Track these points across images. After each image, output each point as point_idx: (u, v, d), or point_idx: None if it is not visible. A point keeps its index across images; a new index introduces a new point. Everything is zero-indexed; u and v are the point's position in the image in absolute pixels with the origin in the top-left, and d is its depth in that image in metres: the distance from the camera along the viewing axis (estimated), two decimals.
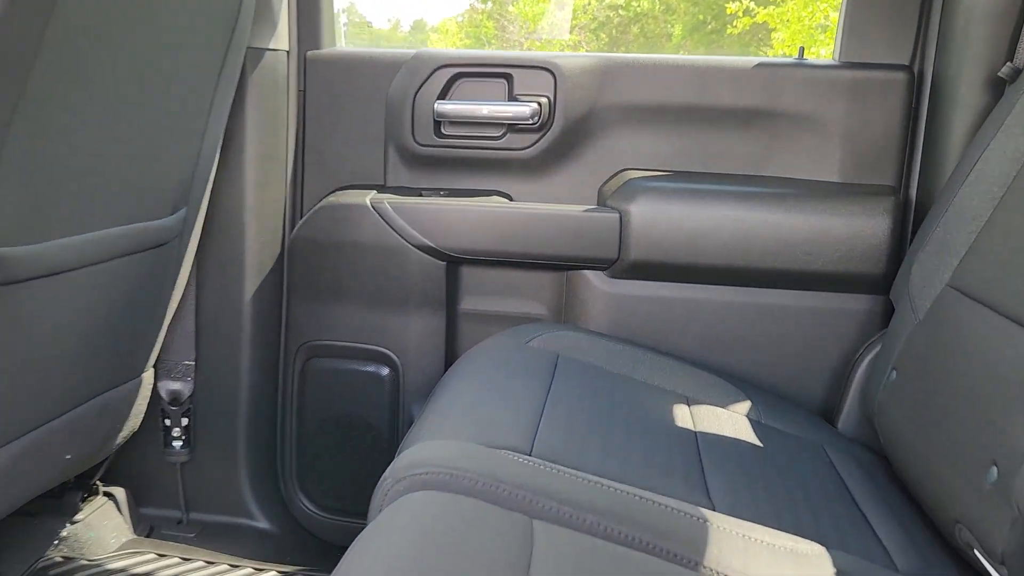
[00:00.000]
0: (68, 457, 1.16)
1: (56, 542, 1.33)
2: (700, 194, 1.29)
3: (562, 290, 1.37)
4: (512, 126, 1.36)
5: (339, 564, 0.65)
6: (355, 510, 1.44)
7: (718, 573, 0.72)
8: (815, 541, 0.81)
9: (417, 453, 0.79)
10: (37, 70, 0.79)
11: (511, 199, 1.39)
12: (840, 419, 1.23)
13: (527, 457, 0.82)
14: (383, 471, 1.34)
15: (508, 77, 1.36)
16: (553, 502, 0.74)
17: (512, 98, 1.36)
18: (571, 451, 0.86)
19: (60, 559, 1.32)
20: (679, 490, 0.84)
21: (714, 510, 0.83)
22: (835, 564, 0.77)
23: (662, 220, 1.29)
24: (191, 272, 1.35)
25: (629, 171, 1.36)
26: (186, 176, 1.17)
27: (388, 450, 1.42)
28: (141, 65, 0.96)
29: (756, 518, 0.83)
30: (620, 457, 0.88)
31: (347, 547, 1.35)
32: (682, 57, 1.35)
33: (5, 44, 0.74)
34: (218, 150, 1.23)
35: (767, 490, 0.90)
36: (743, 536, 0.77)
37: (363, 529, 1.27)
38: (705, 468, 0.92)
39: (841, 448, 1.12)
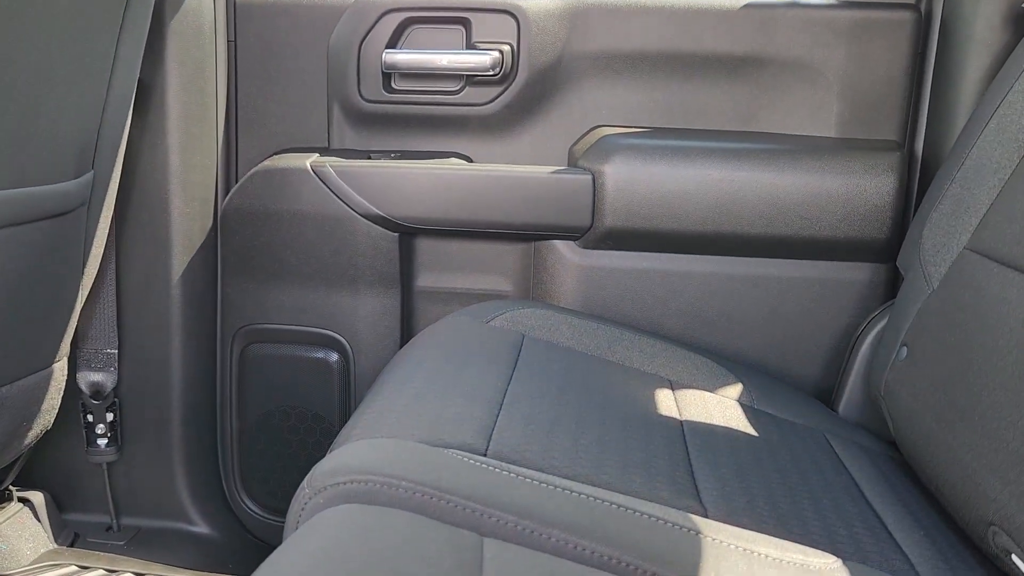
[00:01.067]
0: None
1: None
2: (682, 152, 1.15)
3: (530, 263, 1.22)
4: (471, 78, 1.20)
5: None
6: None
7: None
8: (828, 552, 0.68)
9: (342, 457, 0.64)
10: None
11: (471, 161, 1.24)
12: (841, 402, 1.10)
13: (481, 458, 0.68)
14: None
15: (465, 22, 1.20)
16: (510, 515, 0.60)
17: (470, 46, 1.20)
18: (535, 450, 0.72)
19: None
20: (664, 494, 0.70)
21: (706, 517, 0.69)
22: None
23: (640, 182, 1.14)
24: (109, 248, 1.19)
25: (603, 128, 1.21)
26: (89, 133, 1.01)
27: None
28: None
29: (756, 525, 0.69)
30: (594, 455, 0.74)
31: None
32: None
33: None
34: (130, 105, 1.07)
35: (767, 490, 0.77)
36: (744, 550, 0.63)
37: None
38: (693, 465, 0.78)
39: (844, 436, 0.99)
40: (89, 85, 0.98)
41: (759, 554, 0.63)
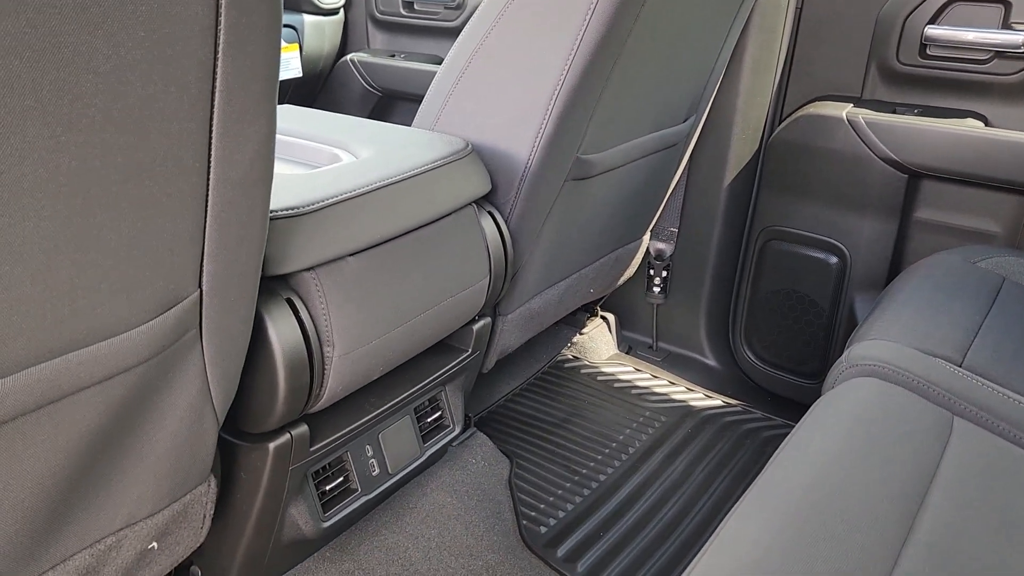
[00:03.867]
0: (591, 291, 1.63)
1: (569, 345, 1.86)
2: None
3: (1019, 211, 1.44)
4: (1001, 53, 1.41)
5: (800, 423, 0.96)
6: (787, 367, 1.75)
7: None
8: None
9: (867, 348, 1.05)
10: (633, 33, 1.14)
11: (986, 121, 1.47)
12: None
13: (958, 368, 1.03)
14: (818, 342, 1.63)
15: (1007, 4, 1.40)
16: (974, 407, 0.96)
17: (1006, 26, 1.41)
18: (998, 369, 1.05)
19: (571, 357, 1.85)
20: None
21: None
22: None
23: None
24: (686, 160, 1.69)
25: None
26: (699, 89, 1.49)
27: (826, 326, 1.68)
28: (688, 12, 1.27)
29: None
30: None
31: (776, 393, 1.71)
32: None
33: (617, 26, 1.09)
34: (725, 65, 1.52)
35: None
36: None
37: (793, 383, 1.61)
38: None
39: None
40: (708, 54, 1.44)
41: None
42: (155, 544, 0.87)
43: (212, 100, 0.62)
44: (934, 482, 0.84)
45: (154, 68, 0.56)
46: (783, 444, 0.92)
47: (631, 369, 1.84)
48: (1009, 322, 1.17)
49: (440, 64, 2.10)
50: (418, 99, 2.00)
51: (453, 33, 2.08)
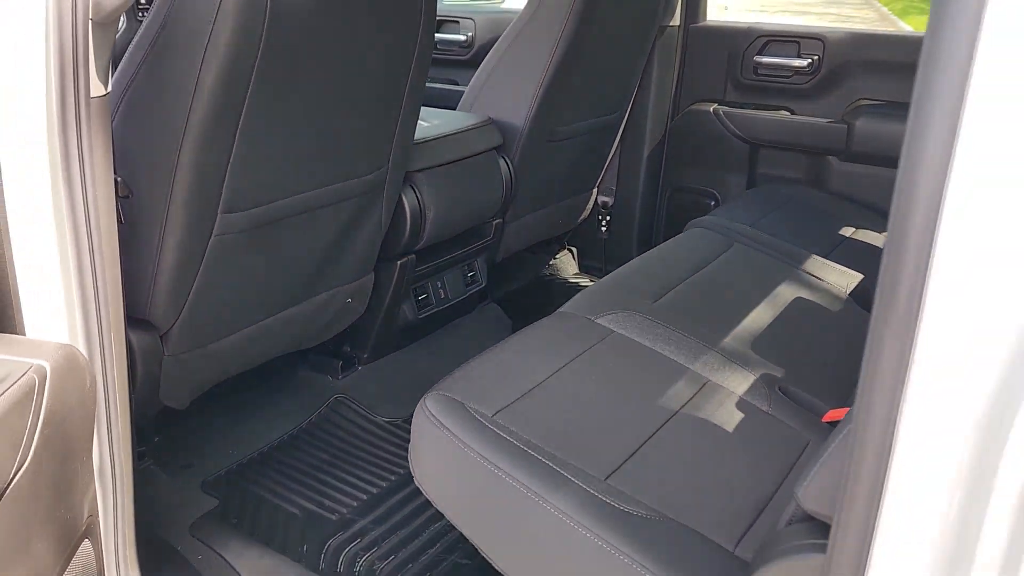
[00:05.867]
0: (560, 222, 2.59)
1: (547, 266, 2.81)
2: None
3: (811, 164, 2.43)
4: (797, 71, 2.41)
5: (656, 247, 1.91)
6: None
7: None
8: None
9: (701, 220, 2.02)
10: (585, 53, 2.11)
11: (792, 111, 2.46)
12: None
13: (746, 226, 1.99)
14: None
15: (798, 42, 2.40)
16: (745, 238, 1.92)
17: (799, 55, 2.40)
18: (769, 228, 2.01)
19: (548, 275, 2.80)
20: None
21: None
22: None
23: (877, 127, 2.27)
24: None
25: (864, 100, 2.35)
26: (623, 93, 2.46)
27: None
28: (617, 44, 2.24)
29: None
30: (760, 216, 2.00)
31: None
32: (902, 33, 2.26)
33: (575, 46, 2.06)
34: (638, 80, 2.50)
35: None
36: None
37: None
38: None
39: None
40: (629, 72, 2.41)
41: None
42: (351, 299, 1.80)
43: (411, 63, 1.57)
44: (718, 259, 1.79)
45: (397, 49, 1.51)
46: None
47: (588, 281, 2.79)
48: (779, 214, 2.14)
49: (455, 85, 3.06)
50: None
51: (465, 63, 3.06)
